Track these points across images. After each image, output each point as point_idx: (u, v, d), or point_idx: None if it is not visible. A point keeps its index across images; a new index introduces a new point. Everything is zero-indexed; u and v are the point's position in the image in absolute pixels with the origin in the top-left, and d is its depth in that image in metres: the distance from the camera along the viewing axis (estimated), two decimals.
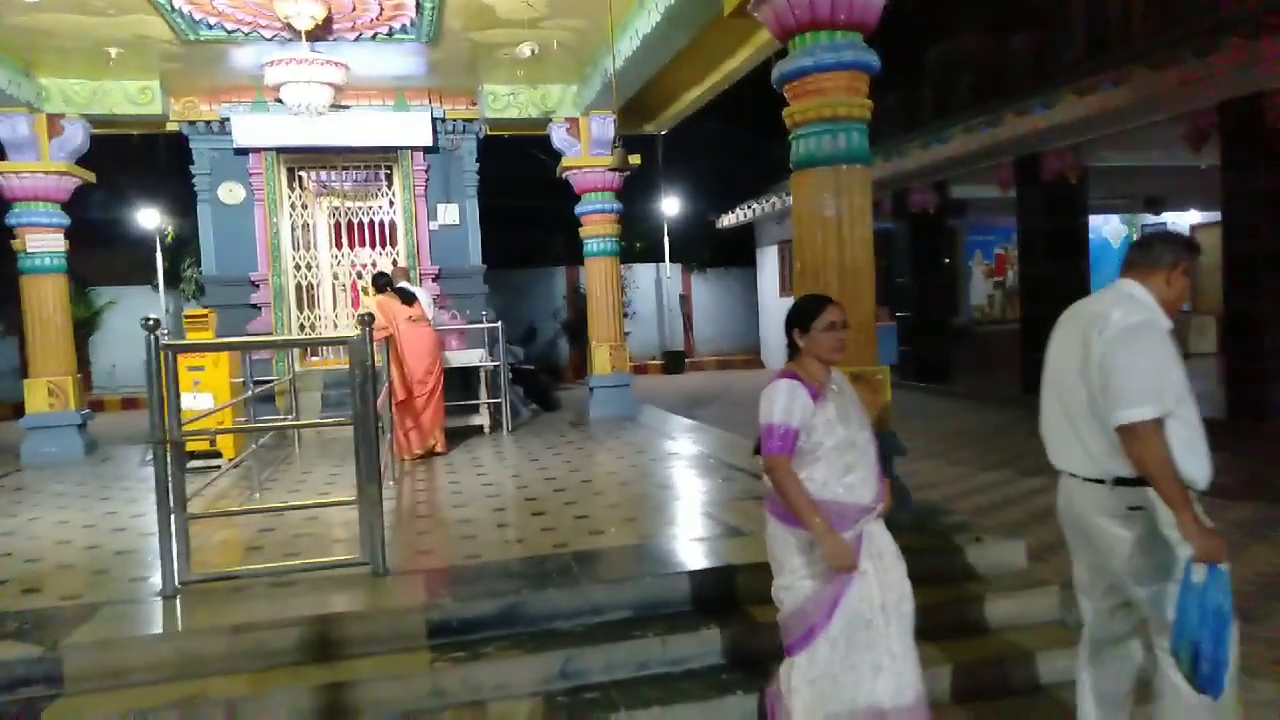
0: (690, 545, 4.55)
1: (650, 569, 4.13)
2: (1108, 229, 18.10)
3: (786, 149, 4.82)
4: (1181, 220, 17.68)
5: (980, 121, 11.67)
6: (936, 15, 13.68)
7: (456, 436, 8.39)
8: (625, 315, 19.66)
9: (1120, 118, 9.82)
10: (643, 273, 20.56)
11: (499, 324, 9.11)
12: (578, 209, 9.86)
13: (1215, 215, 9.73)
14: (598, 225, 9.82)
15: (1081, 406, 2.64)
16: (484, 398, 9.00)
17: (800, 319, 2.86)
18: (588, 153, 9.65)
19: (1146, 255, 2.70)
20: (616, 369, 9.85)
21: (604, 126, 9.57)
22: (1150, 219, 17.77)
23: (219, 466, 7.09)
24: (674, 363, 19.72)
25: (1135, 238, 3.03)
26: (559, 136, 9.64)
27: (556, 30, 8.02)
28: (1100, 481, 2.62)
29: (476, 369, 9.05)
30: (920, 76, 13.66)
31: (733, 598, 3.94)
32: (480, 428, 8.94)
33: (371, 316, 4.18)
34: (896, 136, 14.01)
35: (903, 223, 14.99)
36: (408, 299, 7.72)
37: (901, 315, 15.30)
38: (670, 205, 21.04)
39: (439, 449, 7.65)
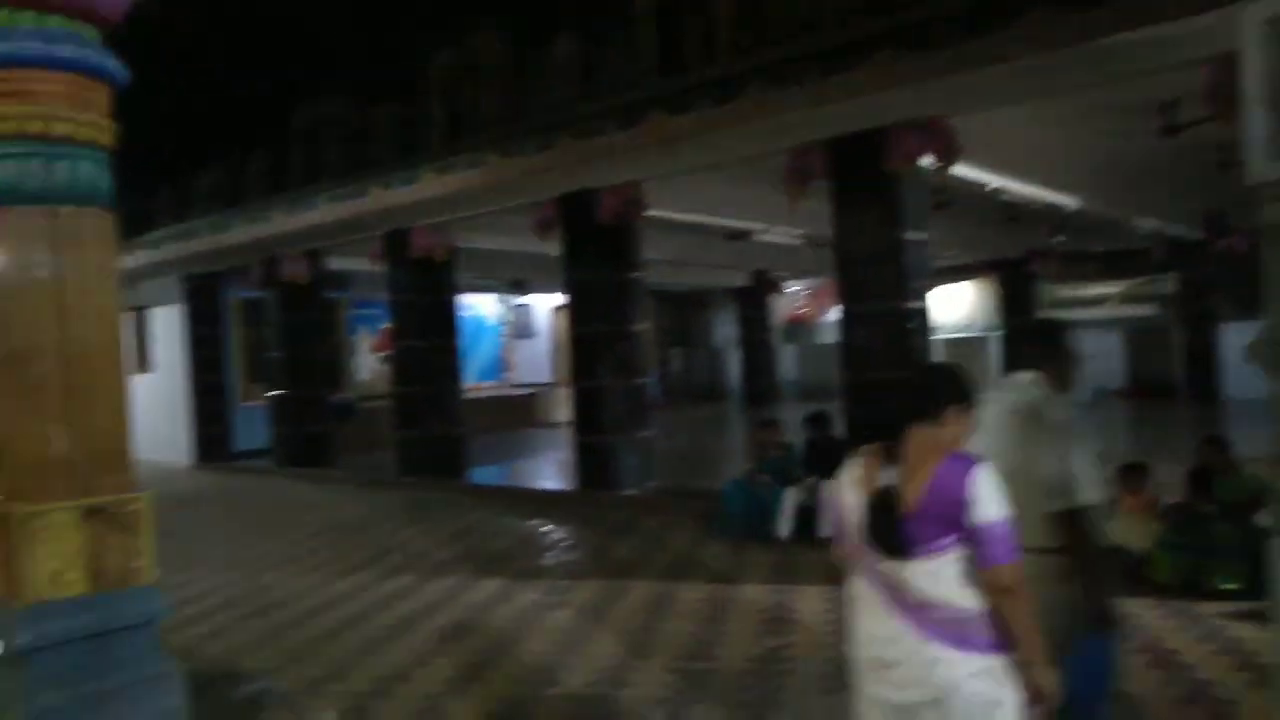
0: None
1: None
2: (484, 307, 19.14)
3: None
4: (545, 301, 19.55)
5: (346, 191, 11.04)
6: (303, 74, 12.84)
7: None
8: None
9: (478, 200, 9.99)
10: None
11: None
12: None
13: None
14: None
15: None
16: None
17: (962, 393, 2.27)
18: None
19: None
20: None
21: None
22: (517, 299, 19.29)
23: None
24: None
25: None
26: None
27: None
28: None
29: None
30: (288, 137, 12.58)
31: None
32: None
33: None
34: (262, 199, 12.66)
35: (274, 293, 13.64)
36: None
37: (274, 394, 13.83)
38: None
39: None
